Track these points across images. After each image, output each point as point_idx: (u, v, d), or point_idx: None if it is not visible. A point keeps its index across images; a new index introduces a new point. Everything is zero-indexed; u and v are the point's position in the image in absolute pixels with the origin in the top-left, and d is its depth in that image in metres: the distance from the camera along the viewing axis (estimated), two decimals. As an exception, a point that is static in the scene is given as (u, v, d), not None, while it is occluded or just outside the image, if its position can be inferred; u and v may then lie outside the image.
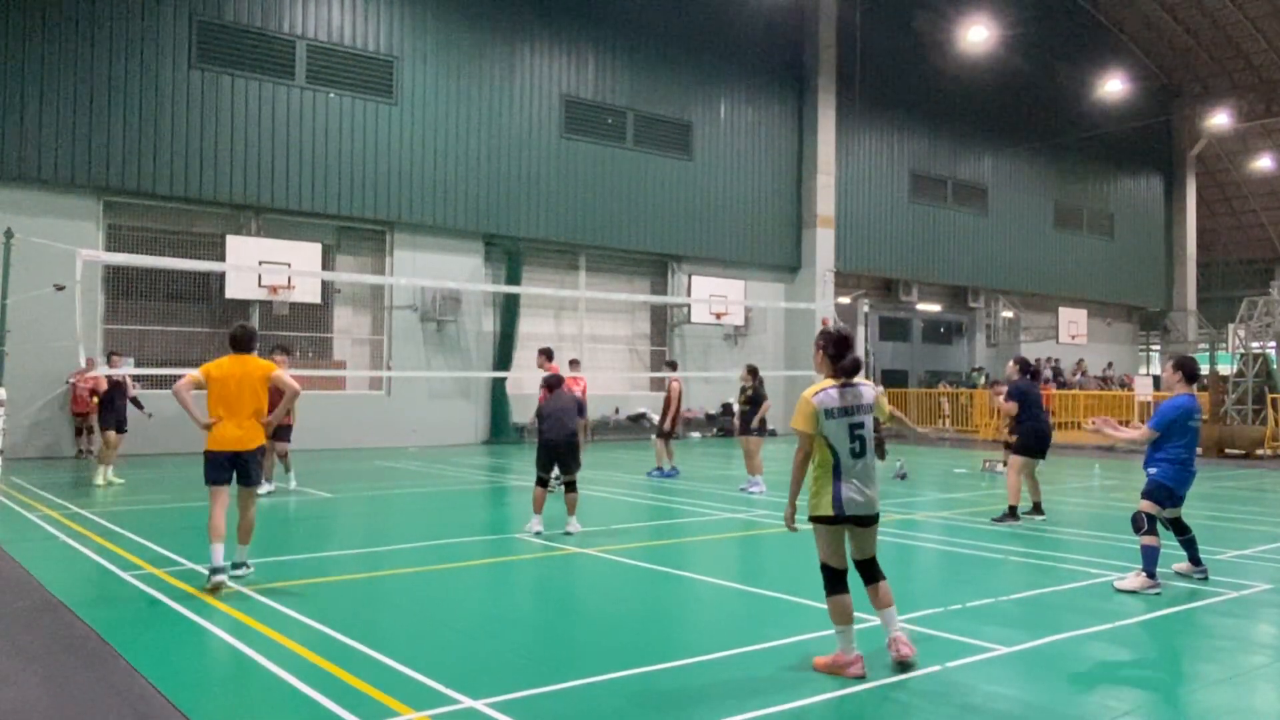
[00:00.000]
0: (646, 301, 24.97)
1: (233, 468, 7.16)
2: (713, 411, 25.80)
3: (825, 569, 5.24)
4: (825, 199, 27.32)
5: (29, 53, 17.31)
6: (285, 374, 7.31)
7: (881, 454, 16.77)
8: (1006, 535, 9.81)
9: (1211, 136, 39.44)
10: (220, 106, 19.06)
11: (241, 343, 7.34)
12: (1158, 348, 40.83)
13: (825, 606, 5.29)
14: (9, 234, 13.87)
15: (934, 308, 32.41)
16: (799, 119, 27.57)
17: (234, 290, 19.00)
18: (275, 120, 19.65)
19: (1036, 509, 10.82)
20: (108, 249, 17.93)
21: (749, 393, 13.80)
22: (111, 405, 13.43)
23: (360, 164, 20.57)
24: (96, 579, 7.46)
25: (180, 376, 12.86)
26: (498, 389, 22.14)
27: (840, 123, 27.81)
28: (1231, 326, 22.78)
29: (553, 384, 10.13)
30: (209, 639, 5.74)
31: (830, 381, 5.24)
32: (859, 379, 5.25)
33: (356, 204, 20.58)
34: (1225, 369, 24.24)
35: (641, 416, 23.98)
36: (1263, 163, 42.11)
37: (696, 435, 25.39)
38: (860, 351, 17.26)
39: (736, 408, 14.22)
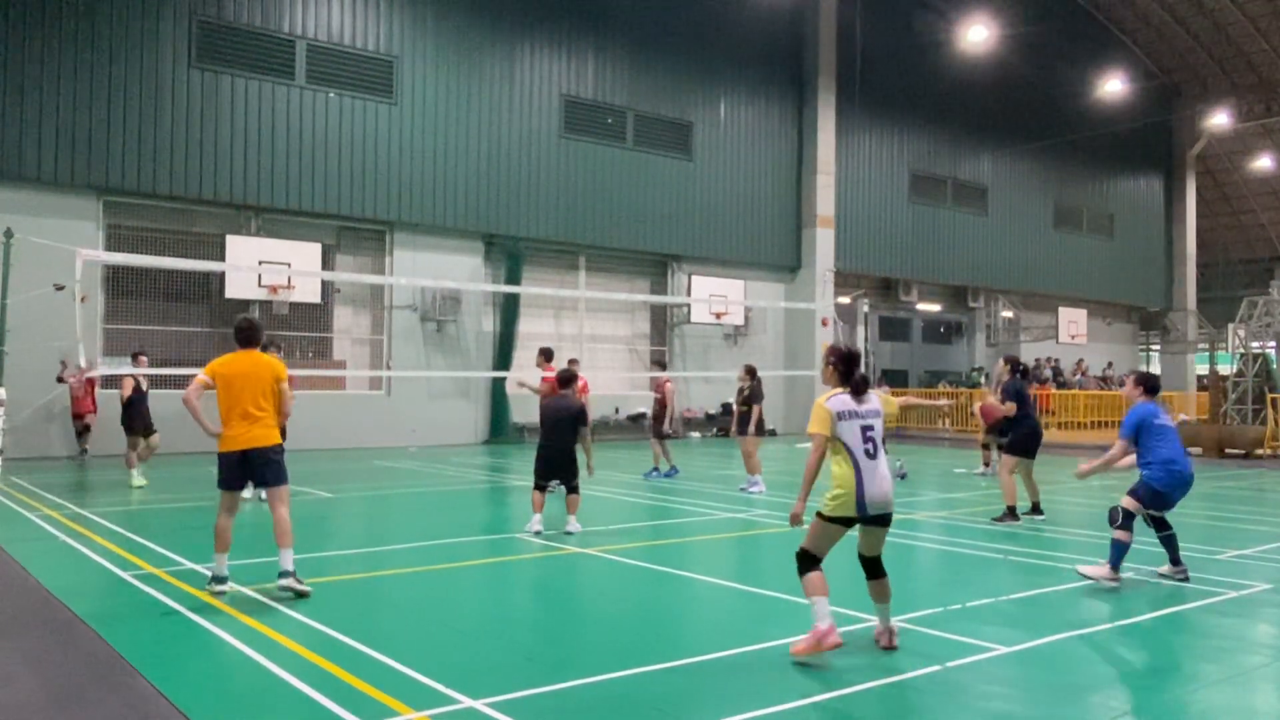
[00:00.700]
0: (646, 301, 24.97)
1: (246, 469, 6.90)
2: (713, 411, 25.80)
3: (805, 555, 5.45)
4: (825, 199, 27.32)
5: (29, 53, 17.31)
6: (289, 393, 7.04)
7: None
8: (1006, 535, 9.81)
9: (1211, 136, 39.43)
10: (220, 106, 19.06)
11: (247, 337, 7.03)
12: (1158, 348, 40.84)
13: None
14: (9, 234, 13.88)
15: (934, 308, 32.42)
16: (799, 119, 27.57)
17: (234, 290, 19.00)
18: (275, 120, 19.65)
19: (1035, 509, 10.83)
20: (108, 249, 17.93)
21: (745, 393, 13.77)
22: (138, 408, 13.16)
23: (360, 164, 20.57)
24: (96, 579, 7.46)
25: (180, 377, 12.97)
26: (497, 389, 22.13)
27: (840, 123, 27.81)
28: (1231, 326, 22.77)
29: (565, 381, 10.01)
30: (209, 639, 5.74)
31: (837, 390, 5.58)
32: (868, 394, 5.58)
33: (356, 204, 20.58)
34: (1225, 369, 24.27)
35: (641, 416, 23.97)
36: (1263, 163, 42.11)
37: (696, 435, 25.39)
38: (860, 352, 17.19)
39: (735, 408, 14.17)
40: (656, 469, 15.27)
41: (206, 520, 10.76)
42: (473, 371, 21.92)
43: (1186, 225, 39.60)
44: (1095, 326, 35.74)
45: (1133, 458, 7.74)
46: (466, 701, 4.60)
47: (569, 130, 23.50)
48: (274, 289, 19.14)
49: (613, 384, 24.22)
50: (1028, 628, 6.08)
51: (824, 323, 26.26)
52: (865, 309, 29.32)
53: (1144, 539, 7.91)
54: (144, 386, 13.43)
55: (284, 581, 6.72)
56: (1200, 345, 38.02)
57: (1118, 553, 7.32)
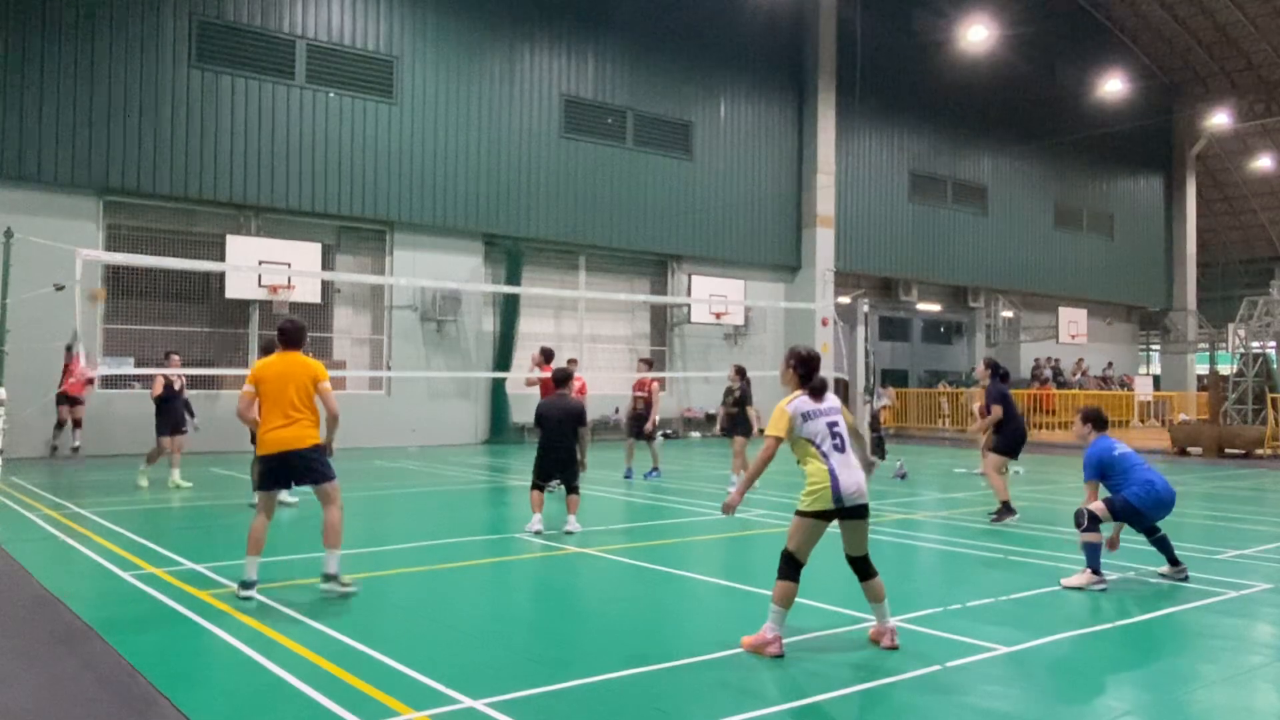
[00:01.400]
0: (646, 301, 24.96)
1: (286, 471, 6.80)
2: (713, 411, 25.75)
3: (789, 557, 5.54)
4: (825, 199, 27.32)
5: (29, 53, 17.31)
6: (331, 392, 6.90)
7: (881, 454, 16.78)
8: (1006, 535, 9.81)
9: (1211, 136, 39.43)
10: (220, 106, 19.06)
11: (288, 339, 7.01)
12: (1158, 347, 40.85)
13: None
14: (9, 234, 13.86)
15: (934, 307, 32.41)
16: (799, 119, 27.57)
17: (234, 290, 19.00)
18: (275, 120, 19.65)
19: (1006, 508, 10.89)
20: (108, 249, 17.93)
21: (736, 394, 13.70)
22: (170, 408, 12.98)
23: (360, 164, 20.57)
24: (96, 579, 7.46)
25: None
26: (497, 389, 22.14)
27: (840, 123, 27.81)
28: (1231, 326, 22.77)
29: (560, 380, 9.98)
30: (209, 639, 5.74)
31: (799, 393, 5.73)
32: (826, 396, 5.72)
33: (356, 204, 20.58)
34: (1225, 369, 24.27)
35: (641, 418, 23.93)
36: (1263, 163, 42.10)
37: (697, 435, 25.40)
38: (860, 351, 17.18)
39: (722, 409, 13.92)
40: (630, 469, 14.93)
41: (207, 520, 10.79)
42: (473, 371, 21.93)
43: (1186, 225, 39.60)
44: (1095, 326, 35.73)
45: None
46: (466, 701, 4.60)
47: (569, 130, 23.50)
48: (274, 289, 19.14)
49: (613, 384, 24.20)
50: (1028, 628, 6.08)
51: (824, 322, 26.25)
52: (865, 309, 29.27)
53: (1138, 539, 7.90)
54: (176, 386, 13.28)
55: (327, 585, 6.67)
56: (1200, 345, 38.02)
57: (1092, 554, 7.30)
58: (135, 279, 18.42)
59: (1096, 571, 7.29)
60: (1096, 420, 7.89)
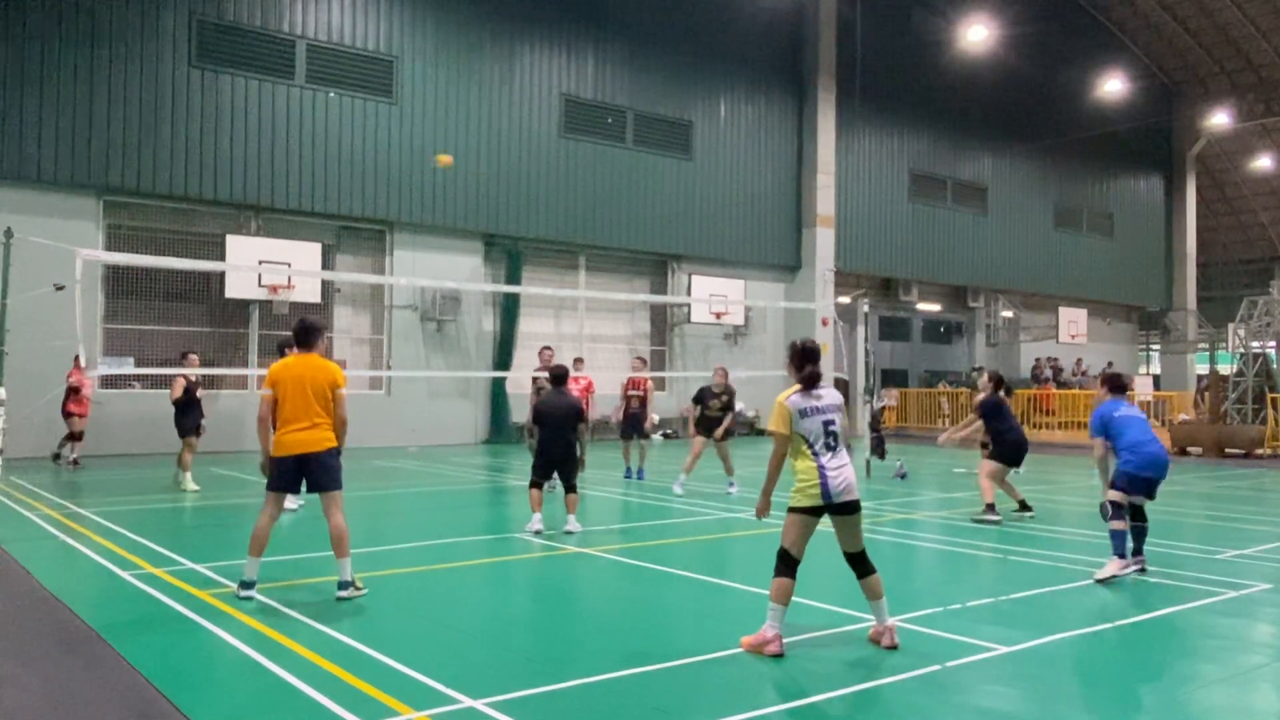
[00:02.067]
0: (646, 301, 24.96)
1: (300, 473, 6.73)
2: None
3: (784, 555, 5.57)
4: (825, 199, 27.32)
5: (29, 53, 17.31)
6: (344, 399, 6.84)
7: (881, 453, 16.78)
8: (1006, 535, 9.81)
9: (1211, 136, 39.42)
10: (220, 106, 19.06)
11: (302, 339, 6.91)
12: (1158, 347, 40.85)
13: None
14: (9, 234, 13.87)
15: (934, 307, 32.41)
16: (799, 119, 27.57)
17: (234, 290, 18.99)
18: (275, 120, 19.64)
19: (1023, 506, 11.01)
20: (108, 249, 17.92)
21: (726, 399, 13.64)
22: (191, 410, 12.88)
23: (360, 164, 20.56)
24: (96, 579, 7.46)
25: (180, 376, 12.90)
26: (497, 389, 22.14)
27: (840, 123, 27.81)
28: (1231, 326, 22.77)
29: (557, 378, 9.95)
30: (209, 639, 5.74)
31: (796, 387, 5.75)
32: (823, 387, 5.75)
33: (356, 204, 20.58)
34: (1225, 369, 24.26)
35: (636, 417, 23.93)
36: (1262, 163, 42.09)
37: (658, 437, 25.38)
38: (860, 351, 17.16)
39: (700, 410, 13.39)
40: (630, 468, 14.83)
41: (207, 520, 10.80)
42: (473, 371, 21.92)
43: (1186, 225, 39.60)
44: (1095, 326, 35.73)
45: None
46: (466, 701, 4.60)
47: (569, 130, 23.49)
48: (274, 289, 19.14)
49: (613, 383, 24.17)
50: (1028, 628, 6.08)
51: (824, 322, 26.24)
52: (865, 309, 29.27)
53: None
54: (197, 390, 13.22)
55: (343, 594, 6.63)
56: (1200, 345, 38.02)
57: (1118, 541, 7.59)
58: (135, 279, 18.42)
59: (1123, 556, 7.54)
60: (1113, 384, 8.43)
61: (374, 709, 4.50)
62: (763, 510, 5.90)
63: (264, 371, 13.06)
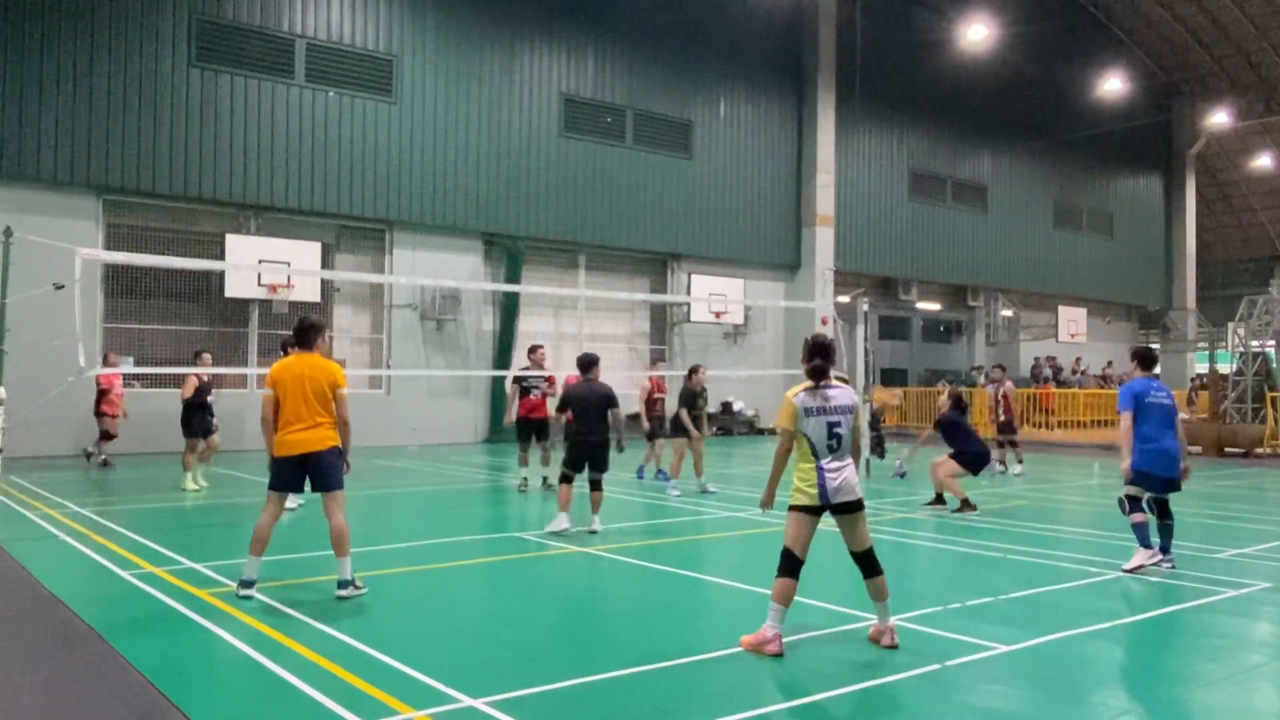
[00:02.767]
0: (646, 300, 24.96)
1: (302, 473, 6.73)
2: (712, 410, 25.78)
3: (787, 554, 5.57)
4: (825, 198, 27.32)
5: (29, 52, 17.30)
6: (345, 399, 6.82)
7: (881, 453, 16.78)
8: (1006, 535, 9.81)
9: (1211, 136, 39.43)
10: (220, 105, 19.05)
11: (301, 338, 6.91)
12: (1157, 346, 40.84)
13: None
14: (9, 233, 13.87)
15: (934, 306, 32.41)
16: (799, 118, 27.56)
17: (233, 289, 18.99)
18: (275, 119, 19.64)
19: (939, 500, 11.60)
20: (107, 248, 17.92)
21: (707, 396, 13.54)
22: (203, 410, 12.80)
23: (360, 163, 20.56)
24: (96, 578, 7.46)
25: (179, 377, 12.91)
26: (497, 388, 22.12)
27: (840, 122, 27.80)
28: (1231, 325, 22.77)
29: (586, 365, 9.73)
30: (209, 638, 5.74)
31: (806, 384, 5.70)
32: (833, 383, 5.70)
33: (356, 203, 20.57)
34: (1225, 368, 24.26)
35: (637, 416, 23.94)
36: (1262, 162, 42.10)
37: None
38: (859, 350, 17.15)
39: (692, 412, 13.21)
40: (661, 470, 14.29)
41: (207, 519, 10.80)
42: (472, 370, 21.91)
43: (1186, 224, 39.61)
44: (1095, 325, 35.74)
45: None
46: (466, 701, 4.60)
47: (569, 129, 23.49)
48: (273, 288, 19.14)
49: (613, 383, 24.18)
50: (1028, 627, 6.08)
51: (824, 321, 26.24)
52: (865, 308, 29.24)
53: (1122, 534, 7.93)
54: (210, 391, 13.12)
55: (343, 593, 6.64)
56: (1200, 344, 38.01)
57: (1142, 534, 7.78)
58: (135, 278, 18.42)
59: (1149, 546, 7.74)
60: (1143, 359, 8.36)
61: (374, 708, 4.50)
62: (767, 502, 5.95)
63: (264, 371, 13.11)
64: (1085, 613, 6.57)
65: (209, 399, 12.98)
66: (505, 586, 7.70)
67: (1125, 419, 7.95)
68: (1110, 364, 36.34)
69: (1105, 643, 5.91)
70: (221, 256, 18.48)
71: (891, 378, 29.62)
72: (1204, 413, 26.41)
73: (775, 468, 5.76)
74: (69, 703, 4.66)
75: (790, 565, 5.53)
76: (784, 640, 5.44)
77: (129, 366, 17.14)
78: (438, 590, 7.29)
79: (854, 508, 5.60)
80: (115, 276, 18.36)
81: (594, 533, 9.39)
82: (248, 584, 6.61)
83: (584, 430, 9.49)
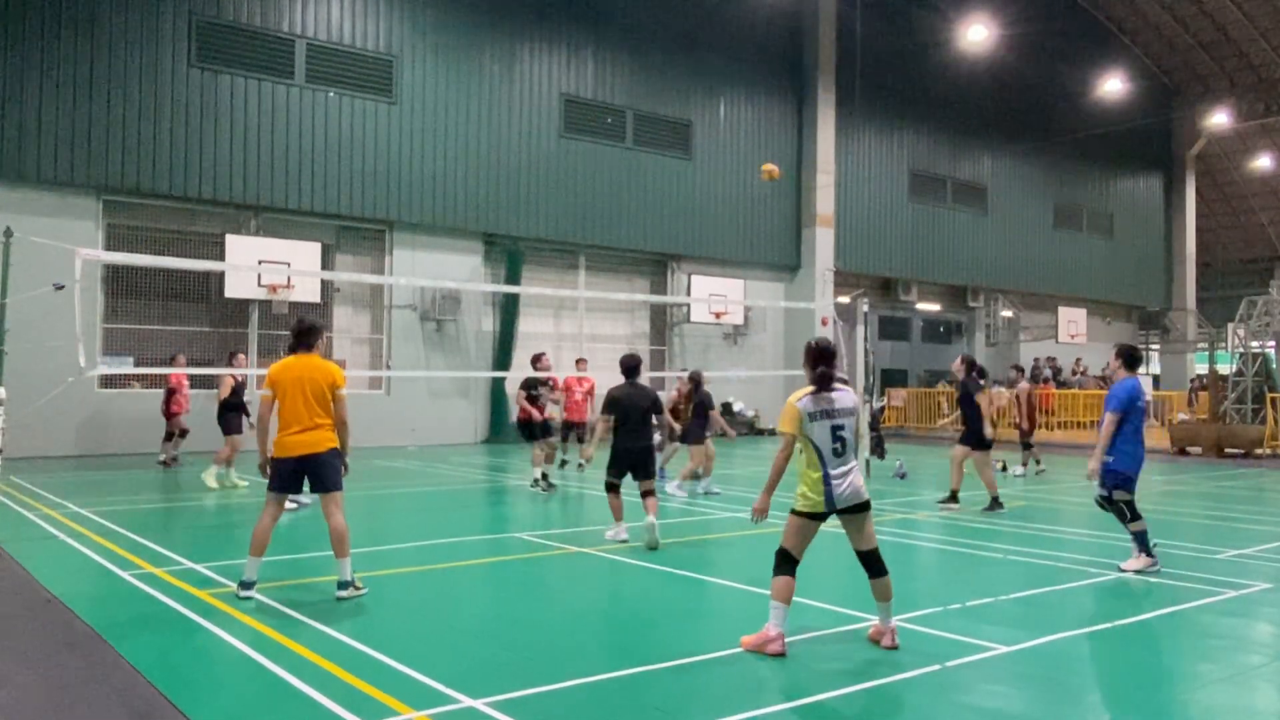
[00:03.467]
0: (646, 301, 24.96)
1: (301, 474, 6.72)
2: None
3: (784, 554, 5.55)
4: (825, 198, 27.32)
5: (29, 53, 17.31)
6: (344, 400, 6.80)
7: (881, 453, 16.79)
8: (1006, 535, 9.81)
9: (1211, 136, 39.43)
10: (220, 106, 19.05)
11: (300, 339, 6.88)
12: (1157, 347, 40.85)
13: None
14: (9, 233, 13.86)
15: (933, 307, 32.41)
16: (799, 119, 27.57)
17: (233, 290, 18.99)
18: (275, 120, 19.64)
19: (952, 497, 11.51)
20: (107, 248, 17.92)
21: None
22: (238, 410, 12.90)
23: (360, 163, 20.56)
24: (96, 579, 7.45)
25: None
26: (497, 388, 22.13)
27: (840, 123, 27.81)
28: (1231, 326, 22.76)
29: (631, 369, 9.43)
30: (209, 638, 5.74)
31: (809, 389, 5.65)
32: (836, 387, 5.63)
33: (356, 203, 20.57)
34: (1225, 368, 24.25)
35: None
36: (1262, 162, 42.11)
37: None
38: (859, 351, 17.20)
39: (685, 416, 13.11)
40: (662, 472, 13.61)
41: (207, 520, 10.80)
42: (472, 371, 21.92)
43: (1186, 225, 39.61)
44: (1095, 326, 35.73)
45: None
46: (466, 701, 4.60)
47: (569, 130, 23.49)
48: (273, 288, 19.14)
49: (612, 383, 24.19)
50: (1028, 628, 6.08)
51: (824, 322, 26.25)
52: (865, 308, 29.26)
53: (1122, 535, 7.92)
54: (242, 388, 13.22)
55: (343, 593, 6.64)
56: (1200, 345, 38.01)
57: (1142, 541, 7.84)
58: (135, 278, 18.42)
59: (1150, 554, 7.79)
60: (1129, 359, 8.25)
61: (374, 709, 4.50)
62: (762, 510, 5.72)
63: (264, 371, 13.19)
64: (1085, 613, 6.57)
65: (245, 399, 13.12)
66: (505, 587, 7.69)
67: (1113, 420, 7.84)
68: (1110, 364, 36.27)
69: (1105, 643, 5.91)
70: (221, 257, 18.48)
71: (891, 379, 29.63)
72: (1204, 413, 26.45)
73: (772, 477, 5.64)
74: (69, 703, 4.66)
75: (787, 564, 5.53)
76: (786, 640, 5.44)
77: (128, 366, 17.15)
78: (438, 591, 7.29)
79: (861, 509, 5.58)
80: (115, 277, 18.37)
81: (654, 549, 8.71)
82: (247, 585, 6.61)
83: (627, 437, 9.10)
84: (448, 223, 21.73)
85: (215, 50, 19.07)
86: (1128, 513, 7.84)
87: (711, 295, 25.22)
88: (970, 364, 11.85)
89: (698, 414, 12.90)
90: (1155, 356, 41.48)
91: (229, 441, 12.89)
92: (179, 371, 15.75)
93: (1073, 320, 33.92)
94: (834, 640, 5.83)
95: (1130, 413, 7.88)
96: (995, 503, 11.18)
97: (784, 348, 27.01)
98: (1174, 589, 7.33)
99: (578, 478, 15.24)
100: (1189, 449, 21.22)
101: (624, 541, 9.01)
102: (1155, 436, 25.44)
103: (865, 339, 21.72)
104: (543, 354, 14.26)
